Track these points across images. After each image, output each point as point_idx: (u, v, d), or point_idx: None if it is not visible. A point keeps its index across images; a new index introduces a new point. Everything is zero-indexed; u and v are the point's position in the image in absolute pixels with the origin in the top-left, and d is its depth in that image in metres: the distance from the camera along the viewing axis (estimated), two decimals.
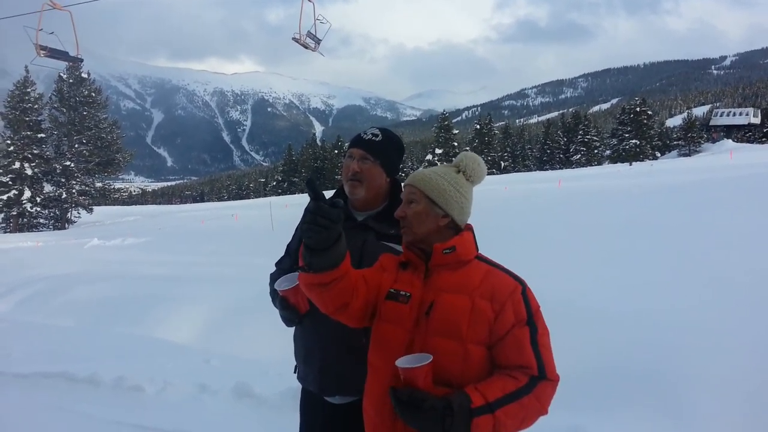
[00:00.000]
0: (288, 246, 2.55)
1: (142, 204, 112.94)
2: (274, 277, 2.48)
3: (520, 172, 69.94)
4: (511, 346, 1.71)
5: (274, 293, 2.37)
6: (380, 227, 2.27)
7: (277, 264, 2.58)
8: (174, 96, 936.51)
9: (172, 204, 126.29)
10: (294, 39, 21.37)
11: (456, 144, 73.96)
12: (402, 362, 1.65)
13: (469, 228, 1.96)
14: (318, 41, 21.72)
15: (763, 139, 70.28)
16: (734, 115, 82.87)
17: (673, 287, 6.32)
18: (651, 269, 7.23)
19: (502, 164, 79.39)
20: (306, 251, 1.71)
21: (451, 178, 1.93)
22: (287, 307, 2.07)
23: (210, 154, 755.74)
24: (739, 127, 79.86)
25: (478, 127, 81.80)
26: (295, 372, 2.48)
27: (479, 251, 1.95)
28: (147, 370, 5.07)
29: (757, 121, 77.41)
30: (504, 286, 1.78)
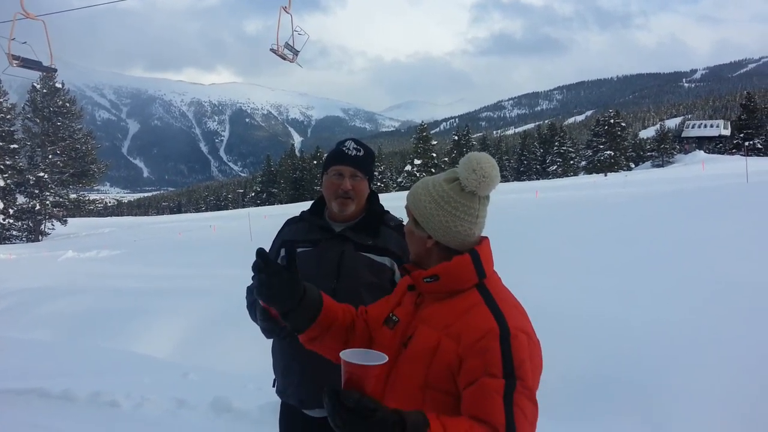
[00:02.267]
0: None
1: (118, 215, 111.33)
2: (251, 290, 2.43)
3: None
4: (478, 396, 1.39)
5: (252, 305, 2.34)
6: (358, 238, 2.28)
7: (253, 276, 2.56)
8: (150, 106, 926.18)
9: (148, 215, 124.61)
10: (272, 50, 21.32)
11: (435, 155, 74.38)
12: (349, 355, 1.33)
13: (476, 249, 1.60)
14: (296, 52, 21.69)
15: (733, 151, 71.83)
16: (705, 127, 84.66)
17: (653, 296, 6.43)
18: (631, 278, 7.35)
19: None
20: (282, 318, 1.68)
21: (438, 192, 1.58)
22: (268, 318, 1.98)
23: (187, 165, 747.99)
24: (710, 139, 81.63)
25: (456, 138, 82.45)
26: (273, 386, 2.46)
27: (486, 278, 1.59)
28: (123, 385, 4.99)
29: (727, 132, 79.19)
30: (477, 326, 1.46)
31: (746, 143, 69.80)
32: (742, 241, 8.49)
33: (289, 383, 2.30)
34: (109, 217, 68.66)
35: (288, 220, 2.53)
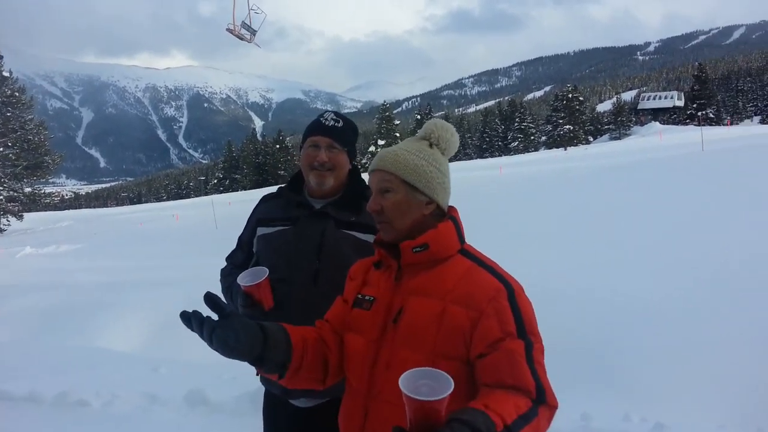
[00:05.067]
0: (240, 238, 2.40)
1: (76, 208, 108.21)
2: (225, 273, 2.36)
3: (462, 160, 70.96)
4: (503, 363, 1.37)
5: (228, 289, 2.25)
6: (340, 215, 2.16)
7: (228, 258, 2.44)
8: (104, 93, 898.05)
9: (107, 207, 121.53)
10: (228, 30, 20.89)
11: (398, 135, 74.28)
12: (410, 386, 1.14)
13: (452, 215, 1.62)
14: (253, 32, 21.27)
15: (687, 121, 73.80)
16: (660, 98, 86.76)
17: (619, 267, 6.56)
18: (592, 250, 7.48)
19: None
20: (255, 366, 1.49)
21: (428, 155, 1.59)
22: (252, 304, 1.93)
23: (145, 153, 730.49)
24: (665, 110, 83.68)
25: (418, 117, 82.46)
26: (257, 374, 2.38)
27: (466, 243, 1.61)
28: (91, 383, 4.84)
29: (681, 103, 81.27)
30: (484, 288, 1.46)
31: (699, 113, 71.79)
32: (702, 209, 8.72)
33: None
34: (66, 211, 66.50)
35: (264, 196, 2.40)
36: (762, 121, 76.27)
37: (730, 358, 4.25)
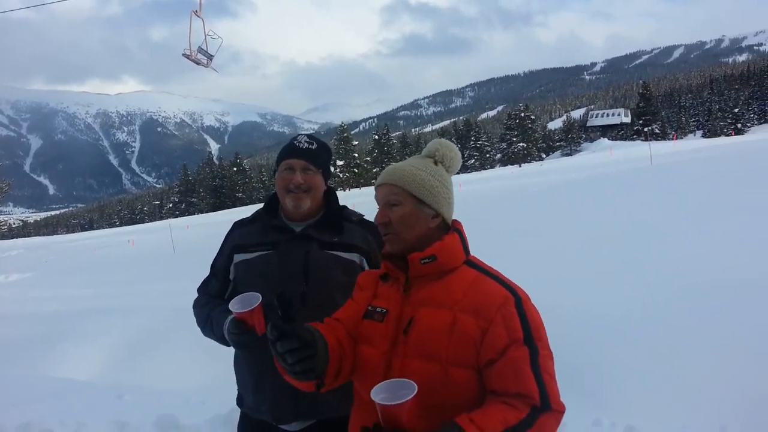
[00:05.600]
0: (214, 267, 2.32)
1: (24, 237, 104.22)
2: (201, 303, 2.26)
3: None
4: (507, 371, 1.43)
5: (207, 319, 2.15)
6: (322, 236, 2.15)
7: (201, 288, 2.34)
8: (53, 120, 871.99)
9: (57, 234, 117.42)
10: (184, 55, 20.75)
11: (356, 155, 74.61)
12: (379, 395, 1.32)
13: (457, 227, 1.69)
14: (210, 57, 21.19)
15: (634, 137, 76.58)
16: (608, 116, 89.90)
17: (579, 278, 6.74)
18: (555, 262, 7.66)
19: None
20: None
21: (433, 171, 1.66)
22: (246, 331, 1.86)
23: (97, 179, 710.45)
24: (613, 127, 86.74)
25: (376, 137, 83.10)
26: (238, 402, 2.27)
27: (470, 255, 1.68)
28: (55, 412, 4.66)
29: (627, 120, 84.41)
30: (492, 297, 1.51)
31: (646, 129, 74.63)
32: (656, 220, 9.06)
33: (264, 398, 2.13)
34: (14, 239, 64.02)
35: (236, 222, 2.34)
36: (704, 135, 79.77)
37: (694, 362, 4.41)
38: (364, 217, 2.29)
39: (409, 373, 1.47)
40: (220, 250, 2.31)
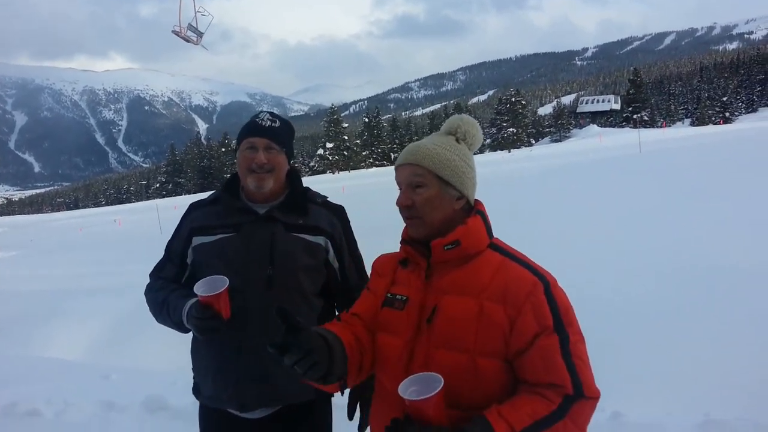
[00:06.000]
0: (169, 250, 2.18)
1: (9, 215, 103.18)
2: (156, 287, 2.12)
3: None
4: (537, 360, 1.39)
5: (163, 305, 2.04)
6: (288, 218, 2.07)
7: (155, 273, 2.19)
8: (38, 97, 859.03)
9: (42, 213, 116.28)
10: (174, 32, 20.41)
11: (346, 138, 74.26)
12: (406, 389, 1.30)
13: (479, 209, 1.60)
14: (200, 34, 20.87)
15: (624, 123, 76.89)
16: (598, 102, 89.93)
17: (570, 262, 6.78)
18: (549, 246, 7.69)
19: (392, 156, 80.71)
20: (322, 383, 1.47)
21: (457, 150, 1.56)
22: (212, 315, 1.79)
23: (83, 158, 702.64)
24: (602, 113, 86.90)
25: (366, 120, 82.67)
26: (195, 391, 2.16)
27: (494, 237, 1.59)
28: (42, 392, 4.64)
29: (617, 107, 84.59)
30: (520, 284, 1.44)
31: (635, 116, 74.91)
32: (644, 205, 9.12)
33: (225, 386, 2.02)
34: None
35: (193, 203, 2.21)
36: (692, 124, 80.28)
37: (680, 350, 4.48)
38: (328, 199, 2.23)
39: (434, 363, 1.44)
40: (175, 232, 2.19)
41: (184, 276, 2.13)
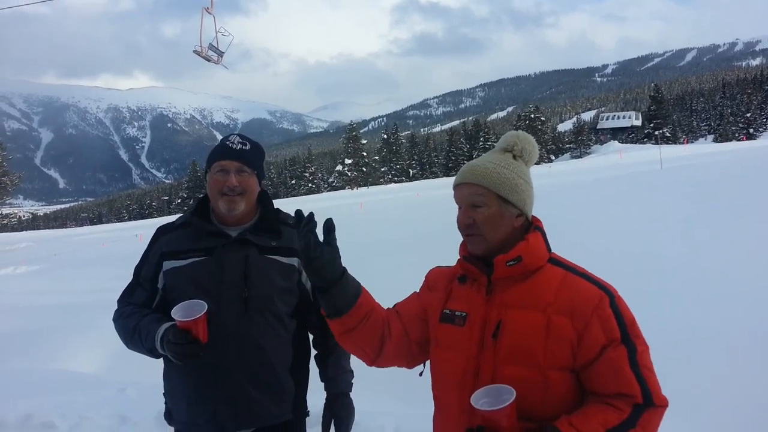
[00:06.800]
0: (138, 275, 2.16)
1: (34, 229, 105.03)
2: (127, 314, 2.08)
3: (428, 179, 71.55)
4: (606, 372, 1.42)
5: (134, 331, 1.99)
6: (261, 240, 2.08)
7: (123, 298, 2.17)
8: (64, 114, 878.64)
9: (66, 228, 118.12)
10: (195, 52, 20.81)
11: (365, 154, 74.63)
12: (479, 400, 1.35)
13: (537, 225, 1.63)
14: (221, 54, 21.24)
15: (645, 140, 76.19)
16: (618, 118, 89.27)
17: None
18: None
19: (411, 172, 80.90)
20: (319, 297, 1.61)
21: (515, 167, 1.59)
22: (191, 340, 1.78)
23: (106, 174, 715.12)
24: (623, 129, 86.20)
25: (385, 137, 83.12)
26: (167, 417, 2.14)
27: (552, 251, 1.62)
28: (57, 405, 4.68)
29: (638, 123, 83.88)
30: (586, 297, 1.46)
31: (656, 132, 74.20)
32: (665, 222, 8.96)
33: (203, 411, 2.01)
34: (24, 232, 64.44)
35: (161, 227, 2.19)
36: (715, 140, 79.22)
37: (669, 353, 4.37)
38: None
39: (502, 378, 1.44)
40: (143, 257, 2.17)
41: (155, 301, 2.11)
